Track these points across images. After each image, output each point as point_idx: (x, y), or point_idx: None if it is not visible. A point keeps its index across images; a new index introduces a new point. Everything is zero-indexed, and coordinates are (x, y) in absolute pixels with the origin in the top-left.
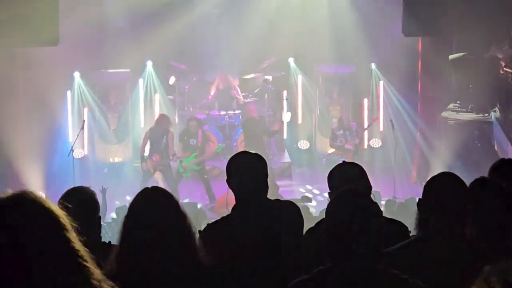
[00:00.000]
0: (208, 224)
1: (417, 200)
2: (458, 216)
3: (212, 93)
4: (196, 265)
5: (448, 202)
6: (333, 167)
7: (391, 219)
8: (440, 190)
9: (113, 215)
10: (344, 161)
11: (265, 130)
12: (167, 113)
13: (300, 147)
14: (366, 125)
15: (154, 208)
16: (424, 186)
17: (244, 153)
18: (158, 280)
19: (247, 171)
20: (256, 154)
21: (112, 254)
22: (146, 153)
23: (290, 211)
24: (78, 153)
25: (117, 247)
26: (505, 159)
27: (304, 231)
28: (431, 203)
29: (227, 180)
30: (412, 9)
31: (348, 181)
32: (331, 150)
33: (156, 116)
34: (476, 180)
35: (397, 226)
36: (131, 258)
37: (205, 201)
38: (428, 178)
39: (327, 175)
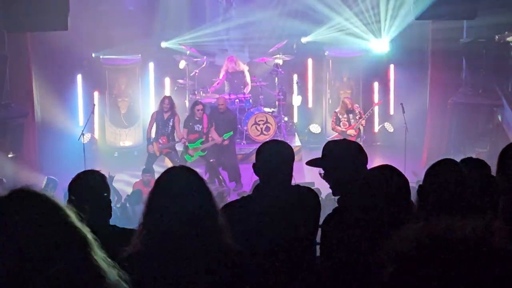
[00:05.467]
0: (227, 203)
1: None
2: (458, 208)
3: (221, 76)
4: (220, 244)
5: (448, 194)
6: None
7: None
8: (441, 181)
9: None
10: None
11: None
12: (177, 98)
13: (312, 131)
14: (371, 109)
15: (181, 185)
16: (426, 173)
17: (273, 142)
18: (183, 260)
19: (275, 158)
20: (284, 142)
21: (135, 236)
22: (153, 136)
23: (309, 196)
24: (85, 138)
25: (140, 228)
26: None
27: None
28: (431, 193)
29: (254, 165)
30: None
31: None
32: (334, 134)
33: None
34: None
35: None
36: (156, 237)
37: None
38: (430, 166)
39: None
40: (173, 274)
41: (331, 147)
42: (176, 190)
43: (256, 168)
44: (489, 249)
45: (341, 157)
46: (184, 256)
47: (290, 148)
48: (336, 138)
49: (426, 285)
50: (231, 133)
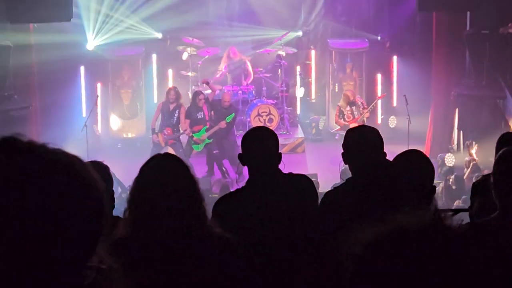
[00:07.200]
0: (222, 197)
1: None
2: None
3: (223, 67)
4: (204, 230)
5: (412, 179)
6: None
7: None
8: (405, 168)
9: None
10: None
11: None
12: (180, 89)
13: (322, 125)
14: (374, 102)
15: (164, 172)
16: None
17: (256, 129)
18: (167, 245)
19: (259, 145)
20: (266, 128)
21: (121, 221)
22: (157, 126)
23: (304, 184)
24: (98, 129)
25: (125, 214)
26: (509, 133)
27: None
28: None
29: (239, 155)
30: None
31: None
32: (338, 127)
33: None
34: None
35: None
36: (140, 223)
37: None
38: (396, 155)
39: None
40: (158, 258)
41: (349, 133)
42: (159, 177)
43: (243, 158)
44: (441, 234)
45: (354, 144)
46: (168, 241)
47: (273, 134)
48: (340, 131)
49: (385, 282)
50: (233, 114)
